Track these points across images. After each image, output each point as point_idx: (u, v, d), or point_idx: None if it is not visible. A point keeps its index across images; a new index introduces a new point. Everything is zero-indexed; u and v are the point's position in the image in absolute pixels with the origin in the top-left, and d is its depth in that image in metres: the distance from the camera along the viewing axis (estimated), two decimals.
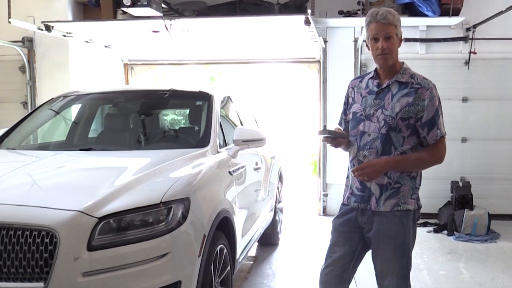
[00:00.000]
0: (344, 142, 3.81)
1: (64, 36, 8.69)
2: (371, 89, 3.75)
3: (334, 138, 3.74)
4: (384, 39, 3.60)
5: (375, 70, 3.80)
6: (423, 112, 3.60)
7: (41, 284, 3.29)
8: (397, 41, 3.65)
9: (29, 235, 3.32)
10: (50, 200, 3.57)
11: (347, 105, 3.95)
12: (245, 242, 5.57)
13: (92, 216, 3.42)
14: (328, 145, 4.04)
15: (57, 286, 3.27)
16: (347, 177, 3.92)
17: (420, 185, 3.83)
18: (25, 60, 9.36)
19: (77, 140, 5.93)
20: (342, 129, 3.98)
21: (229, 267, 4.66)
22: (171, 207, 3.71)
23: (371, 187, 3.69)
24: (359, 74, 9.38)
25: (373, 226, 3.71)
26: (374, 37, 3.64)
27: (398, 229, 3.66)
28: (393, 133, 3.61)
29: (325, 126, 3.66)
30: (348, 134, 3.78)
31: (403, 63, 3.76)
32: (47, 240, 3.31)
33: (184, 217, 3.76)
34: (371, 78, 3.80)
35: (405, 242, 3.69)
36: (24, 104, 9.53)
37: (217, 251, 4.27)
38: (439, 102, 3.67)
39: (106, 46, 10.11)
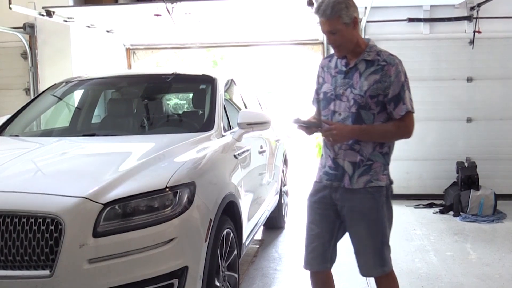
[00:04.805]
0: (317, 130, 3.78)
1: (66, 21, 8.65)
2: (339, 68, 3.76)
3: (307, 127, 3.72)
4: (330, 34, 3.59)
5: None
6: (390, 88, 3.58)
7: (47, 271, 3.26)
8: (348, 28, 3.57)
9: (34, 223, 3.29)
10: (54, 187, 3.53)
11: (318, 84, 3.95)
12: (251, 226, 5.55)
13: (97, 202, 3.38)
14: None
15: (63, 274, 3.24)
16: (322, 155, 3.93)
17: (390, 161, 3.87)
18: (27, 47, 9.33)
19: (81, 125, 5.90)
20: (315, 108, 3.96)
21: (235, 252, 4.64)
22: (177, 192, 3.67)
23: (344, 165, 3.71)
24: None
25: (346, 203, 3.74)
26: (322, 32, 3.66)
27: (371, 205, 3.70)
28: (363, 111, 3.62)
29: (298, 117, 3.66)
30: (321, 123, 3.71)
31: (369, 40, 3.75)
32: (52, 227, 3.27)
33: (190, 201, 3.73)
34: (340, 57, 3.78)
35: (378, 218, 3.73)
36: (27, 90, 9.53)
37: (223, 235, 4.25)
38: (406, 78, 3.64)
39: (108, 31, 10.06)
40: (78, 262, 3.27)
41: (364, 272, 3.88)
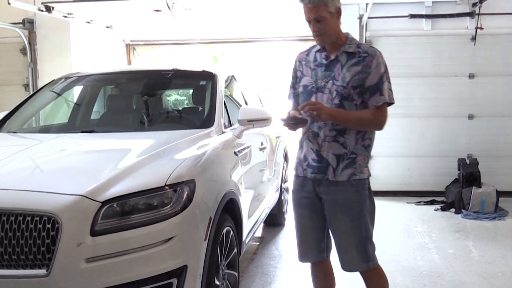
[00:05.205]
0: (303, 125, 3.80)
1: (65, 17, 8.60)
2: (319, 61, 3.79)
3: (295, 124, 3.72)
4: (316, 21, 3.62)
5: None
6: (368, 78, 3.63)
7: (44, 271, 3.20)
8: (332, 17, 3.63)
9: (31, 221, 3.23)
10: (51, 185, 3.47)
11: (295, 79, 3.97)
12: (252, 223, 5.50)
13: (95, 200, 3.32)
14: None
15: (59, 273, 3.19)
16: (299, 149, 3.96)
17: (371, 154, 3.91)
18: (26, 42, 9.31)
19: (79, 122, 5.83)
20: (292, 103, 4.01)
21: (235, 250, 4.59)
22: (176, 189, 3.61)
23: (328, 158, 3.72)
24: None
25: (330, 196, 3.76)
26: (307, 20, 3.68)
27: (355, 198, 3.73)
28: (346, 102, 3.65)
29: (289, 113, 3.65)
30: (307, 119, 3.72)
31: (348, 33, 3.79)
32: (49, 226, 3.21)
33: (190, 199, 3.66)
34: (318, 51, 3.83)
35: (362, 211, 3.75)
36: (26, 86, 9.50)
37: (223, 233, 4.19)
38: (386, 69, 3.69)
39: (107, 27, 10.02)
40: (75, 261, 3.21)
41: (348, 268, 3.90)
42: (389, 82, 3.69)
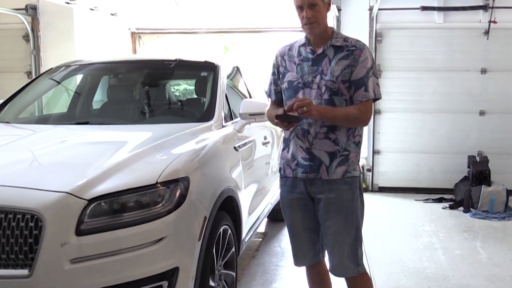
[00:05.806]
0: (297, 124, 3.67)
1: (68, 3, 8.45)
2: (305, 56, 3.70)
3: (289, 122, 3.56)
4: (309, 7, 3.53)
5: (306, 37, 3.72)
6: (354, 72, 3.57)
7: (26, 271, 3.05)
8: (324, 7, 3.57)
9: (13, 219, 3.06)
10: (35, 180, 3.29)
11: (277, 75, 3.86)
12: (253, 220, 5.36)
13: (81, 198, 3.15)
14: None
15: (42, 274, 3.03)
16: (285, 148, 3.85)
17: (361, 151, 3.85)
18: (29, 29, 9.18)
19: (77, 113, 5.67)
20: (272, 100, 3.95)
21: (233, 249, 4.44)
22: (169, 187, 3.45)
23: (320, 156, 3.63)
24: (374, 44, 9.15)
25: (323, 195, 3.66)
26: (299, 6, 3.56)
27: (348, 197, 3.66)
28: (336, 97, 3.58)
29: (284, 111, 3.48)
30: (300, 118, 3.57)
31: (333, 28, 3.73)
32: (32, 224, 3.05)
33: (183, 197, 3.50)
34: (302, 45, 3.74)
35: (354, 211, 3.69)
36: (29, 74, 9.37)
37: (220, 232, 4.04)
38: (373, 64, 3.65)
39: (112, 14, 9.87)
40: (59, 261, 3.05)
41: (339, 272, 3.81)
42: (376, 77, 3.65)
